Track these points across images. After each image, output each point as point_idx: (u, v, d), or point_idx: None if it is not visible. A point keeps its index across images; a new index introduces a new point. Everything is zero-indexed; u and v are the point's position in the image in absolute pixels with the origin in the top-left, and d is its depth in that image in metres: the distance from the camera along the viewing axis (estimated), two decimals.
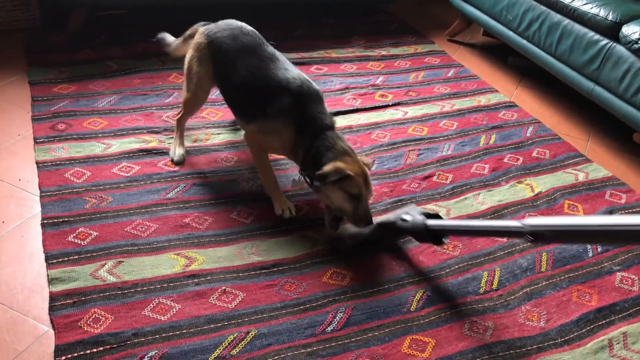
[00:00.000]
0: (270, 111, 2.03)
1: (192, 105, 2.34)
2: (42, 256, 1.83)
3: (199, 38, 2.25)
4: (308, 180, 2.01)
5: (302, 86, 2.03)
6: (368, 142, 2.58)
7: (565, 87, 3.02)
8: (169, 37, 2.51)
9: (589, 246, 2.11)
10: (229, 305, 1.74)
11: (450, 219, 2.15)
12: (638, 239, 1.39)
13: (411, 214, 1.89)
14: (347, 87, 3.01)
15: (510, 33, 3.18)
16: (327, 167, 1.88)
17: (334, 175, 1.87)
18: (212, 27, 2.26)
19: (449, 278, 1.92)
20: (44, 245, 1.86)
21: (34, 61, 2.88)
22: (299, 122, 2.00)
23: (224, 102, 2.70)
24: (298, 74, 2.08)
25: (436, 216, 1.89)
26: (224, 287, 1.80)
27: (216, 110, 2.67)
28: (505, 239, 2.10)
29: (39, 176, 2.14)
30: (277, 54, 2.17)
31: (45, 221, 1.95)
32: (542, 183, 2.44)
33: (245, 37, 2.18)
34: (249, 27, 2.25)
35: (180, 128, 2.38)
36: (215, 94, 2.57)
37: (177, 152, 2.32)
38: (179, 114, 2.38)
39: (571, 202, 2.34)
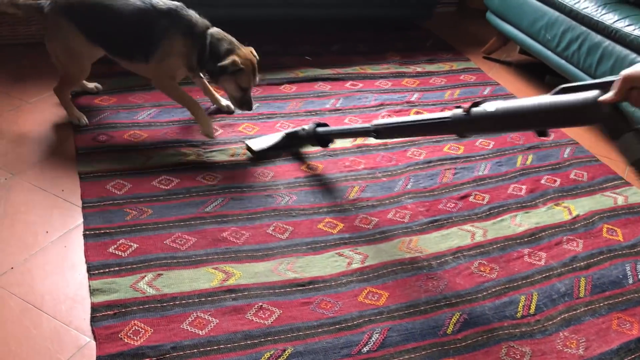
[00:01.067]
0: (156, 36, 2.34)
1: (77, 79, 2.58)
2: (84, 267, 1.86)
3: (49, 16, 2.35)
4: (208, 75, 2.46)
5: (167, 4, 2.37)
6: (403, 159, 2.59)
7: None
8: None
9: (629, 272, 2.08)
10: (266, 322, 1.75)
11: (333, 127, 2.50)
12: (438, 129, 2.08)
13: (308, 126, 2.44)
14: (382, 103, 3.01)
15: (549, 52, 3.15)
16: (227, 61, 2.31)
17: (231, 68, 2.31)
18: None
19: (485, 301, 1.91)
20: (85, 256, 1.90)
21: None
22: (183, 31, 2.35)
23: (260, 117, 2.75)
24: None
25: (324, 125, 2.42)
26: (260, 303, 1.81)
27: (253, 125, 2.70)
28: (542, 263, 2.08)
29: (81, 187, 2.19)
30: None
31: (88, 232, 1.99)
32: (580, 206, 2.41)
33: None
34: None
35: (65, 100, 2.55)
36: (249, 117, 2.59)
37: (75, 115, 2.55)
38: (57, 88, 2.52)
39: (610, 227, 2.30)
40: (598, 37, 2.82)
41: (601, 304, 1.94)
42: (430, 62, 3.54)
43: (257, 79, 2.47)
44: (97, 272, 1.84)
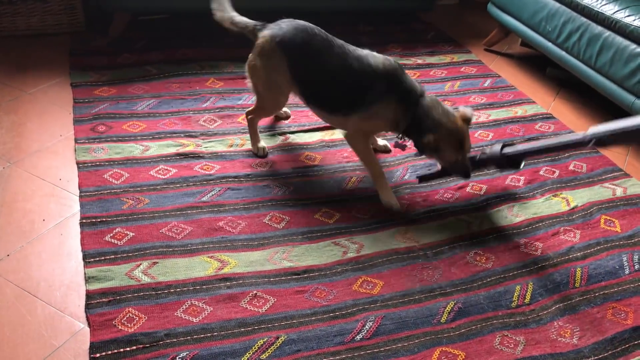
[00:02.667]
0: (369, 98, 2.16)
1: (270, 112, 2.53)
2: (80, 255, 1.88)
3: (265, 43, 2.24)
4: (411, 144, 2.25)
5: (386, 66, 2.17)
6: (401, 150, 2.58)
7: (604, 100, 2.97)
8: (227, 5, 2.41)
9: (625, 263, 2.07)
10: (260, 310, 1.76)
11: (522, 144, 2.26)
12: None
13: (491, 149, 2.24)
14: None
15: (549, 44, 3.14)
16: (425, 139, 2.11)
17: (427, 149, 2.14)
18: (277, 30, 2.24)
19: (480, 290, 1.91)
20: (82, 244, 1.91)
21: (76, 64, 2.96)
22: (399, 97, 2.16)
23: None
24: (377, 55, 2.22)
25: (511, 144, 2.20)
26: (255, 292, 1.81)
27: None
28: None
29: (78, 176, 2.20)
30: (344, 43, 2.25)
31: (84, 220, 2.00)
32: (579, 197, 2.40)
33: (316, 37, 2.22)
34: (310, 24, 2.27)
35: (253, 127, 2.46)
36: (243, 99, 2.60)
37: (257, 146, 2.46)
38: (250, 114, 2.44)
39: (608, 217, 2.29)
40: (598, 28, 2.80)
41: (596, 294, 1.94)
42: (431, 54, 3.53)
43: (468, 146, 2.19)
44: (92, 260, 1.85)
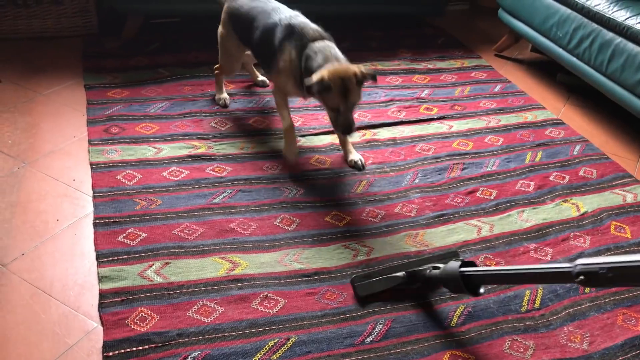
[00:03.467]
0: (275, 54, 2.30)
1: (227, 73, 2.77)
2: (93, 254, 1.90)
3: (223, 14, 2.59)
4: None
5: (290, 19, 2.30)
6: (412, 154, 2.59)
7: (614, 106, 2.97)
8: None
9: None
10: (271, 311, 1.77)
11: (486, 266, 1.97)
12: None
13: (443, 265, 1.76)
14: (392, 99, 3.02)
15: (560, 50, 3.14)
16: (314, 77, 2.07)
17: (316, 86, 2.06)
18: (231, 1, 2.56)
19: (490, 295, 1.91)
20: (95, 244, 1.93)
21: (90, 66, 2.99)
22: (294, 46, 2.23)
23: (270, 111, 2.78)
24: (288, 12, 2.36)
25: (471, 264, 1.71)
26: (265, 293, 1.83)
27: (262, 119, 2.73)
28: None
29: (92, 177, 2.22)
30: (279, 6, 2.42)
31: (97, 221, 2.02)
32: (589, 203, 2.40)
33: (259, 2, 2.47)
34: None
35: (218, 81, 2.80)
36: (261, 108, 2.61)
37: (220, 96, 2.79)
38: (217, 69, 2.76)
39: (618, 224, 2.29)
40: (609, 35, 2.80)
41: (607, 300, 1.94)
42: (441, 59, 3.54)
43: (355, 98, 2.14)
44: (106, 259, 1.87)
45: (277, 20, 2.33)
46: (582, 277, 1.32)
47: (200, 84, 2.94)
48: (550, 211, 2.33)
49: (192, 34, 3.42)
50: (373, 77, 2.18)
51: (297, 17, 2.34)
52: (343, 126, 2.16)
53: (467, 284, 1.67)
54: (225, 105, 2.77)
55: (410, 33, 3.84)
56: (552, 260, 2.07)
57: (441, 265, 1.77)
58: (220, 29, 2.62)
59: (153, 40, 3.30)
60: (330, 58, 2.14)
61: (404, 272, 1.85)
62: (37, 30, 3.19)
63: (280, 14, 2.36)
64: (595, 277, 1.29)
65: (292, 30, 2.26)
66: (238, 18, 2.51)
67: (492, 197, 2.37)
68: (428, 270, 1.81)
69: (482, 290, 1.69)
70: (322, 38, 2.24)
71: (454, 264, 1.70)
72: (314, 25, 2.30)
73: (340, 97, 2.10)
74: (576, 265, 1.32)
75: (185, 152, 2.42)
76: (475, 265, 1.72)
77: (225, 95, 2.80)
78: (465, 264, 1.69)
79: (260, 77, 2.98)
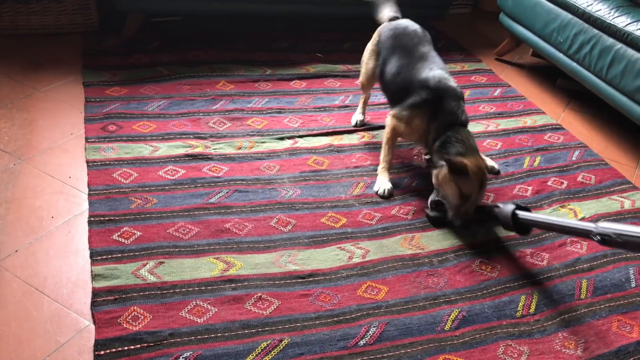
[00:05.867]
0: (408, 102, 2.29)
1: (365, 88, 2.76)
2: (87, 252, 1.89)
3: (375, 33, 2.63)
4: (430, 163, 2.25)
5: (439, 83, 2.24)
6: (410, 158, 2.58)
7: (614, 112, 2.96)
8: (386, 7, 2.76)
9: (632, 276, 2.06)
10: (264, 312, 1.76)
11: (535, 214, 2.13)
12: None
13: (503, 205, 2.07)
14: None
15: (560, 55, 3.14)
16: (457, 160, 2.07)
17: (457, 169, 2.06)
18: (386, 24, 2.63)
19: (485, 299, 1.91)
20: (89, 242, 1.92)
21: (89, 63, 2.98)
22: (433, 113, 2.22)
23: (269, 112, 2.78)
24: (440, 73, 2.29)
25: (525, 209, 2.02)
26: (259, 294, 1.82)
27: (261, 119, 2.72)
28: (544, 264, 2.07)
29: (88, 175, 2.22)
30: (429, 54, 2.41)
31: (92, 219, 2.01)
32: (586, 208, 2.39)
33: (405, 37, 2.47)
34: (413, 27, 2.53)
35: (363, 101, 2.82)
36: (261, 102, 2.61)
37: (356, 118, 2.81)
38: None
39: None
40: (610, 40, 2.80)
41: (602, 306, 1.93)
42: None
43: (483, 195, 2.19)
44: (99, 258, 1.86)
45: (423, 78, 2.27)
46: (599, 237, 1.65)
47: (199, 83, 2.94)
48: (548, 216, 2.32)
49: (192, 34, 3.41)
50: (497, 172, 2.53)
51: (445, 83, 2.26)
52: (463, 216, 2.14)
53: (515, 224, 1.99)
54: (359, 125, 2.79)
55: None
56: (579, 220, 2.17)
57: (501, 205, 2.07)
58: (369, 43, 2.65)
59: (153, 39, 3.29)
60: (470, 151, 2.15)
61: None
62: (37, 27, 3.18)
63: (429, 71, 2.29)
64: (609, 240, 1.63)
65: (439, 96, 2.23)
66: (385, 41, 2.52)
67: (489, 201, 2.36)
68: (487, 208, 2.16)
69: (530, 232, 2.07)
70: (465, 123, 2.25)
71: (509, 206, 2.01)
72: (462, 105, 2.27)
73: (475, 188, 2.09)
74: (597, 227, 1.67)
75: (182, 151, 2.41)
76: (529, 211, 2.02)
77: (363, 116, 2.83)
78: (518, 207, 2.01)
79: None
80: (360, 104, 2.84)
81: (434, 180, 2.18)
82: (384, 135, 2.42)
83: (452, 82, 2.28)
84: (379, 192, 2.33)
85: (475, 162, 2.09)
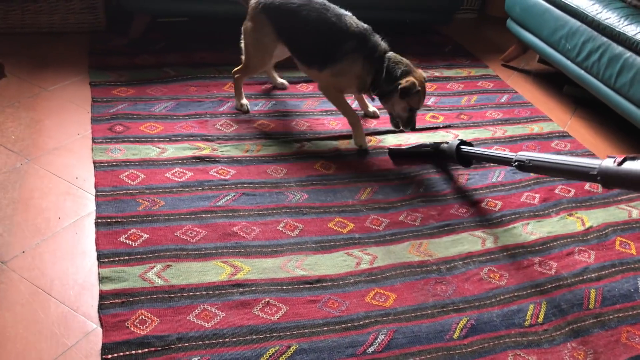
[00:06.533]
0: (339, 55, 2.47)
1: (254, 70, 2.75)
2: (94, 254, 1.88)
3: (251, 9, 2.58)
4: (378, 96, 2.53)
5: (357, 26, 2.49)
6: (417, 163, 2.57)
7: (621, 120, 2.96)
8: None
9: None
10: (272, 318, 1.75)
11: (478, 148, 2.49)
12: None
13: (451, 142, 2.49)
14: None
15: (568, 62, 3.13)
16: (406, 83, 2.39)
17: (413, 89, 2.39)
18: None
19: (494, 308, 1.90)
20: (96, 244, 1.91)
21: (96, 63, 2.97)
22: (365, 54, 2.46)
23: (277, 115, 2.76)
24: (351, 17, 2.52)
25: (468, 144, 2.45)
26: (267, 299, 1.81)
27: (268, 122, 2.71)
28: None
29: (95, 176, 2.21)
30: (327, 3, 2.53)
31: (99, 220, 2.00)
32: (594, 217, 2.38)
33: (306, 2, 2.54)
34: None
35: (238, 85, 2.76)
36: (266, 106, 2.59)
37: (241, 102, 2.77)
38: (237, 73, 2.72)
39: (623, 239, 2.28)
40: (619, 49, 2.79)
41: (611, 317, 1.92)
42: (448, 68, 3.53)
43: (424, 101, 2.55)
44: (107, 260, 1.85)
45: (344, 26, 2.47)
46: (516, 163, 2.08)
47: (206, 85, 2.93)
48: (555, 225, 2.31)
49: (199, 35, 3.41)
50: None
51: (366, 27, 2.52)
52: (413, 123, 2.53)
53: (458, 156, 2.43)
54: (247, 111, 2.76)
55: (417, 40, 3.82)
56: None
57: (449, 142, 2.50)
58: (248, 23, 2.60)
59: (160, 40, 3.28)
60: (410, 66, 2.48)
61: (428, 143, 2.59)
62: (44, 26, 3.18)
63: (347, 19, 2.49)
64: (523, 165, 2.02)
65: (364, 38, 2.48)
66: (284, 12, 2.52)
67: (497, 209, 2.36)
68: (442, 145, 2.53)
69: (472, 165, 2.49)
70: (388, 49, 2.53)
71: (455, 142, 2.44)
72: (377, 36, 2.55)
73: (421, 100, 2.49)
74: (517, 155, 2.08)
75: (189, 153, 2.40)
76: (471, 145, 2.46)
77: (245, 100, 2.79)
78: (463, 143, 2.44)
79: (280, 80, 2.99)
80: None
81: (388, 108, 2.55)
82: (330, 99, 2.63)
83: (361, 22, 2.52)
84: (362, 146, 2.58)
85: (419, 77, 2.46)
